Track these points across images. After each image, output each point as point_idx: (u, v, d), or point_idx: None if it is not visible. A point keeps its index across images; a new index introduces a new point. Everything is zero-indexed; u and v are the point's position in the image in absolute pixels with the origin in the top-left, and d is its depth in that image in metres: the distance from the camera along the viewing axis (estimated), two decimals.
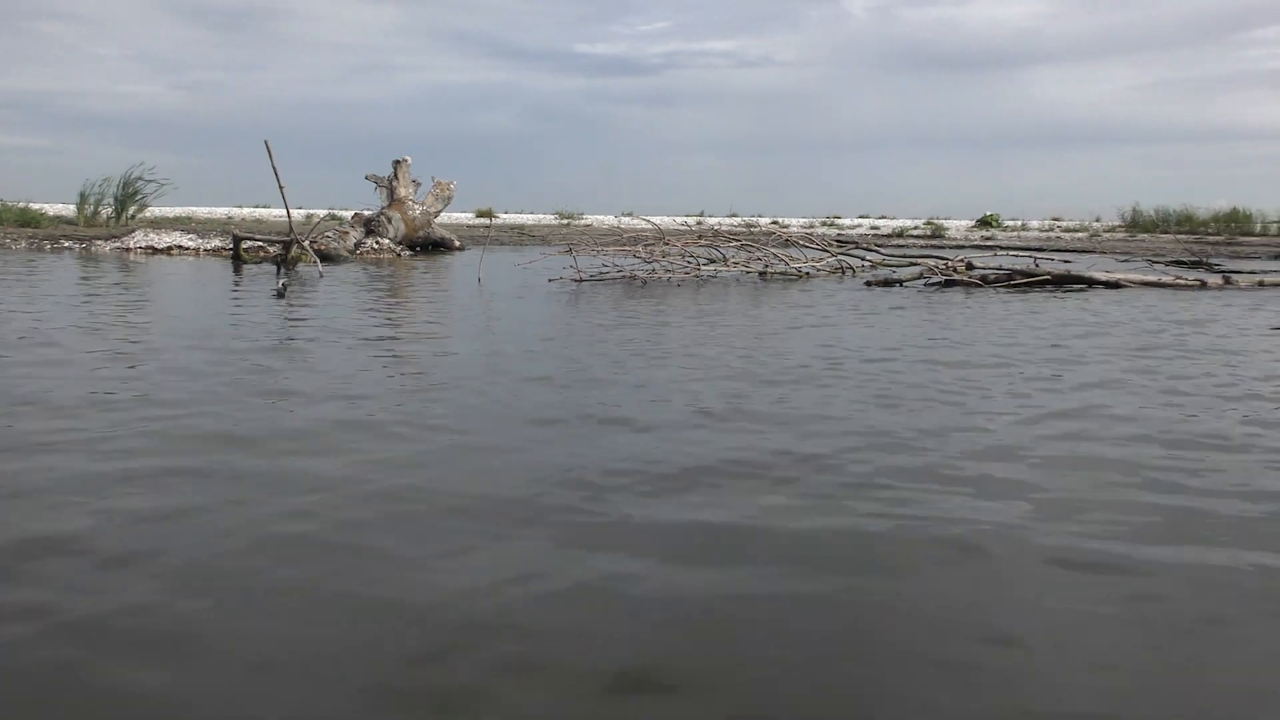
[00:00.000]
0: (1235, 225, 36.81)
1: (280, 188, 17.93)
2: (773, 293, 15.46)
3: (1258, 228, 36.44)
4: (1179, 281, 17.21)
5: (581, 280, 16.56)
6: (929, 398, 6.74)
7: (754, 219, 43.20)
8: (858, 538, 3.93)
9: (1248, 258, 26.55)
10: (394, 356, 8.47)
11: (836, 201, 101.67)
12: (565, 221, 41.41)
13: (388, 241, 23.53)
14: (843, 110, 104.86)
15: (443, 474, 4.77)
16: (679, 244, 18.80)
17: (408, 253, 23.84)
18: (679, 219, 35.58)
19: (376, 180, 25.10)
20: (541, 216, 44.68)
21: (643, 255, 17.99)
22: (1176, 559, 3.73)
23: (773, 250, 19.38)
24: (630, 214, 43.34)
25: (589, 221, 41.17)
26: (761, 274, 18.45)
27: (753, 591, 3.39)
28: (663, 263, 17.88)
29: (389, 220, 24.10)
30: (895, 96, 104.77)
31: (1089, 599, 3.35)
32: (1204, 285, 16.94)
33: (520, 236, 33.05)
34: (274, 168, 17.69)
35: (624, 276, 17.11)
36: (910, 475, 4.78)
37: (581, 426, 5.83)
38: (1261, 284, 17.12)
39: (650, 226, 21.07)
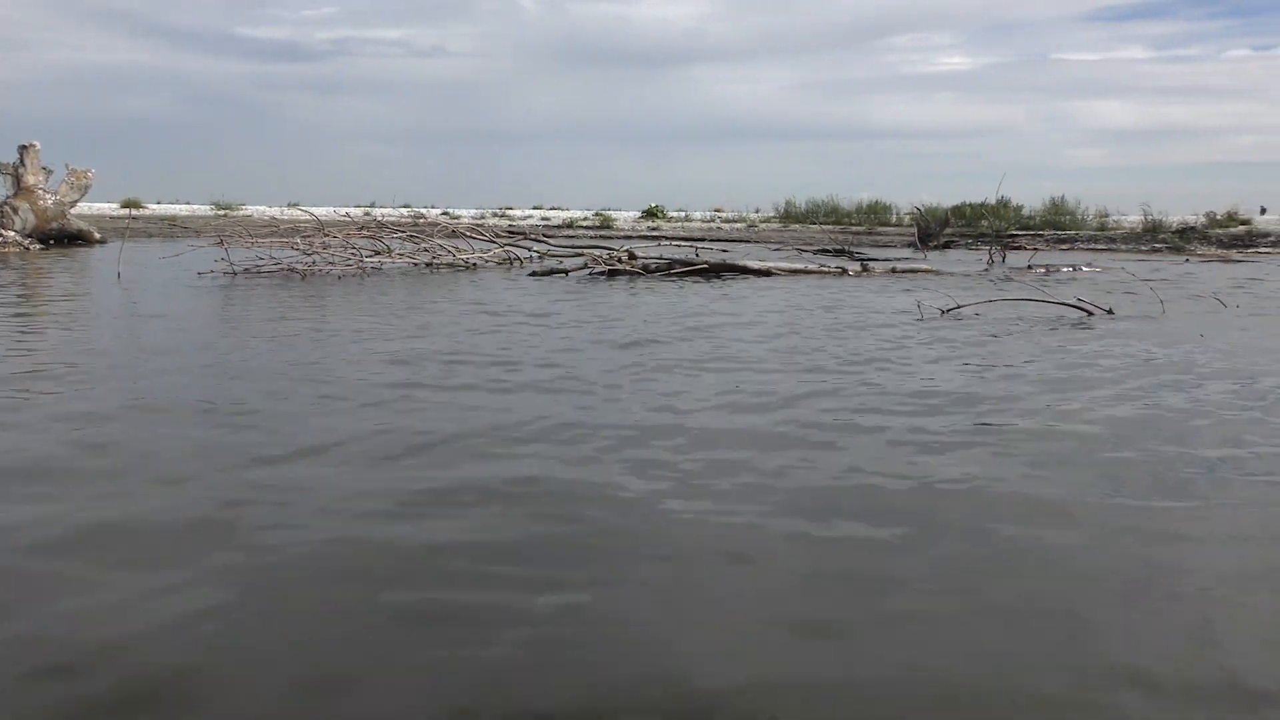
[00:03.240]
0: (875, 216, 39.88)
1: None
2: (434, 285, 15.20)
3: (894, 219, 39.61)
4: (823, 269, 18.36)
5: (234, 274, 15.70)
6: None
7: (426, 210, 42.59)
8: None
9: (885, 246, 28.82)
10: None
11: (510, 192, 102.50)
12: (223, 212, 39.24)
13: (14, 234, 21.37)
14: (517, 102, 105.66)
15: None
16: (341, 235, 18.14)
17: (38, 246, 21.74)
18: (348, 210, 34.45)
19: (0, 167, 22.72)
20: (197, 207, 42.08)
21: (302, 247, 17.20)
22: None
23: (439, 242, 19.08)
24: (296, 205, 41.61)
25: (250, 212, 39.22)
26: (429, 265, 18.13)
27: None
28: (324, 255, 17.17)
29: (15, 211, 21.91)
30: (568, 90, 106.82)
31: None
32: (845, 272, 18.14)
33: (172, 228, 31.02)
34: None
35: (282, 269, 16.32)
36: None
37: (211, 421, 5.43)
38: (894, 270, 18.55)
39: (310, 217, 20.23)
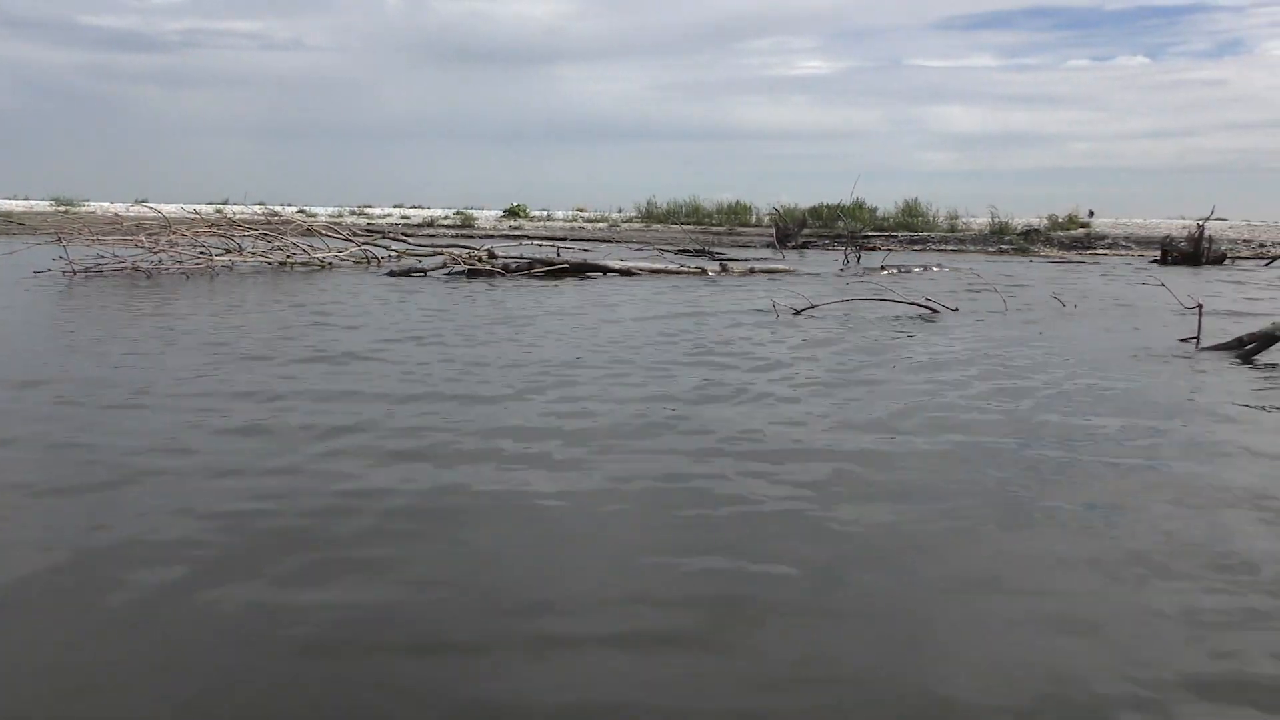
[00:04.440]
0: (736, 217, 40.29)
1: None
2: (284, 285, 14.83)
3: (754, 219, 40.10)
4: (684, 269, 18.51)
5: (74, 272, 15.05)
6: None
7: (282, 208, 41.48)
8: None
9: (745, 246, 29.18)
10: None
11: (370, 190, 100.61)
12: (64, 209, 37.53)
13: None
14: (377, 98, 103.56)
15: None
16: (190, 234, 17.54)
17: None
18: (198, 207, 33.28)
19: None
20: (36, 203, 40.15)
21: (147, 245, 16.57)
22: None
23: (293, 240, 18.62)
24: (144, 201, 40.03)
25: (93, 209, 37.56)
26: (283, 264, 17.66)
27: None
28: (171, 253, 16.57)
29: None
30: (430, 86, 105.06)
31: None
32: (705, 272, 18.33)
33: (8, 225, 29.52)
34: None
35: (126, 268, 15.70)
36: None
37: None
38: (752, 271, 18.82)
39: (157, 214, 19.52)
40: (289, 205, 44.35)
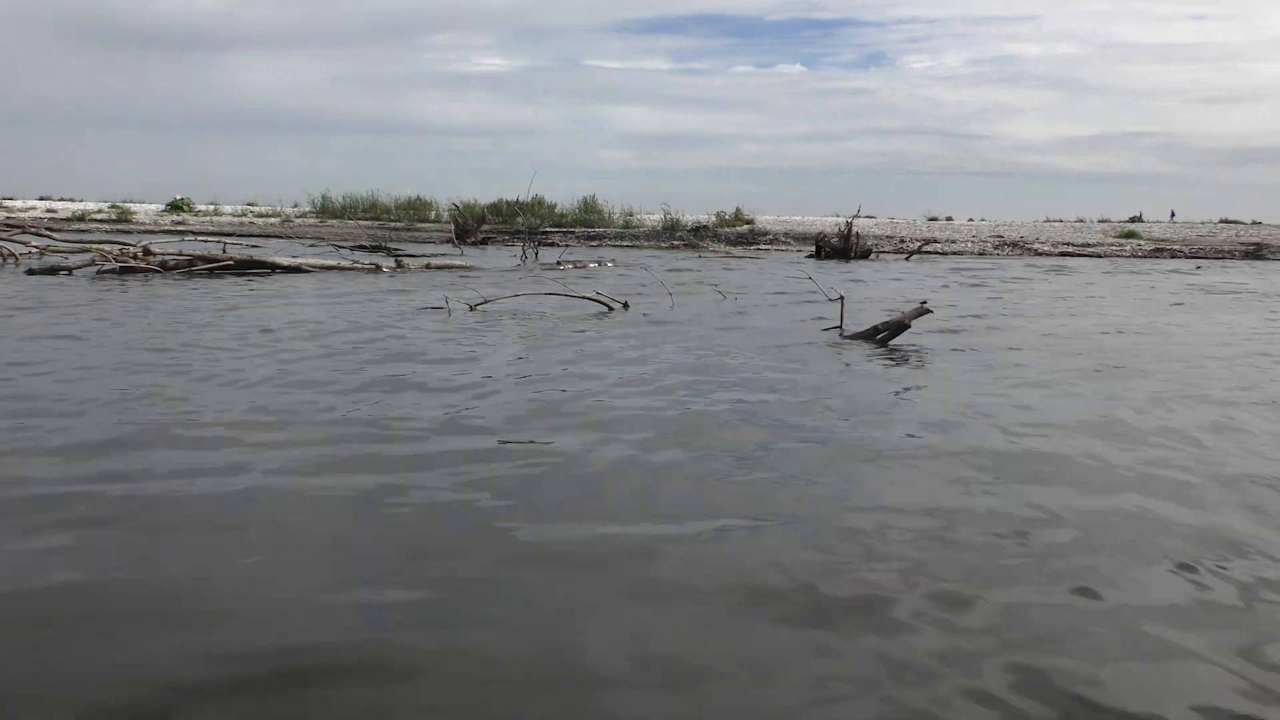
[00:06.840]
0: (416, 213, 39.69)
1: None
2: None
3: (434, 215, 39.64)
4: (357, 265, 18.06)
5: None
6: None
7: None
8: None
9: (425, 242, 28.84)
10: None
11: (10, 181, 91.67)
12: None
13: None
14: (18, 80, 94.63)
15: None
16: None
17: None
18: None
19: None
20: None
21: None
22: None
23: None
24: None
25: None
26: None
27: None
28: None
29: None
30: (83, 70, 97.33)
31: None
32: (379, 269, 17.96)
33: None
34: None
35: None
36: None
37: None
38: (429, 266, 18.64)
39: None
40: None
